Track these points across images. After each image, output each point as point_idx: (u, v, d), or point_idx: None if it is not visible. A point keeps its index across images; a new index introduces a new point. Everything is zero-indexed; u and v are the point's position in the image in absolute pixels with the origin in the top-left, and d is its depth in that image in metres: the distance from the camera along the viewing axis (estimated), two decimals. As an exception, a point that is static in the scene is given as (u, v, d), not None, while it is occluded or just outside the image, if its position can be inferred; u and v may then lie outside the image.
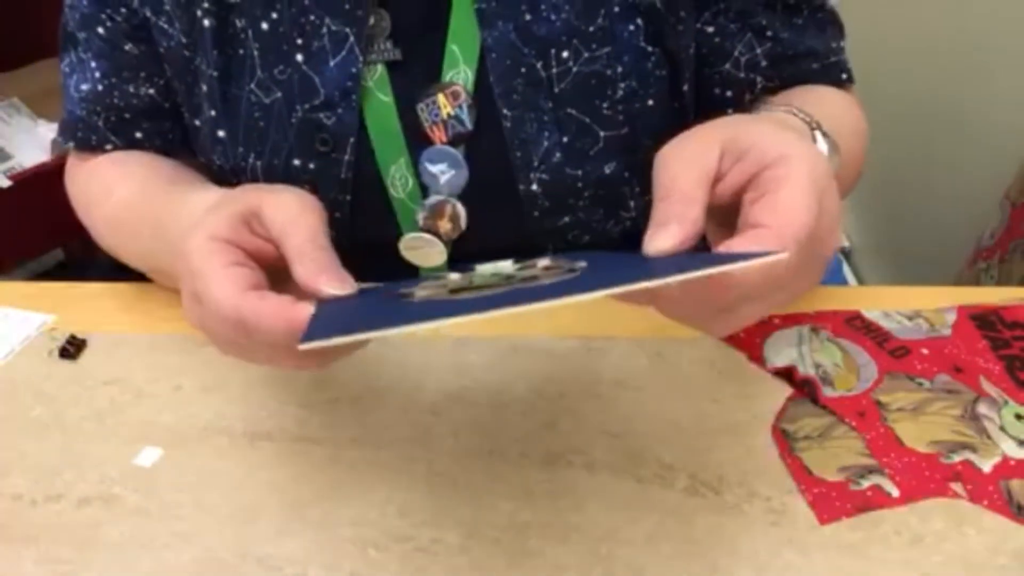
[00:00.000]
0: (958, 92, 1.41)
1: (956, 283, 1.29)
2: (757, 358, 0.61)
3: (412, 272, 0.70)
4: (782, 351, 0.61)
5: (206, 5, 0.62)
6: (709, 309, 0.40)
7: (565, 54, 0.61)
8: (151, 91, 0.67)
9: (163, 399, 0.60)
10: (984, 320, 0.63)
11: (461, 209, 0.66)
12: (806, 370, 0.59)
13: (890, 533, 0.49)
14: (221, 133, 0.65)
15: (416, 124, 0.64)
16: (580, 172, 0.64)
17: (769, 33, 0.66)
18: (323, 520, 0.51)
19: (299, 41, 0.62)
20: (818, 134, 0.53)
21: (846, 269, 1.81)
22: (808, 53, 0.67)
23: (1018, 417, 0.56)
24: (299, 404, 0.59)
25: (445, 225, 0.66)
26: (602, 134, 0.63)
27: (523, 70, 0.61)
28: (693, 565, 0.48)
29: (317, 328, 0.38)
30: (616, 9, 0.61)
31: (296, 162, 0.64)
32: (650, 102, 0.64)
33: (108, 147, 0.69)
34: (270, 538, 0.50)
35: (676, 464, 0.53)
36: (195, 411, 0.59)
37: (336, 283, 0.42)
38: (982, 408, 0.56)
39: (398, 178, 0.65)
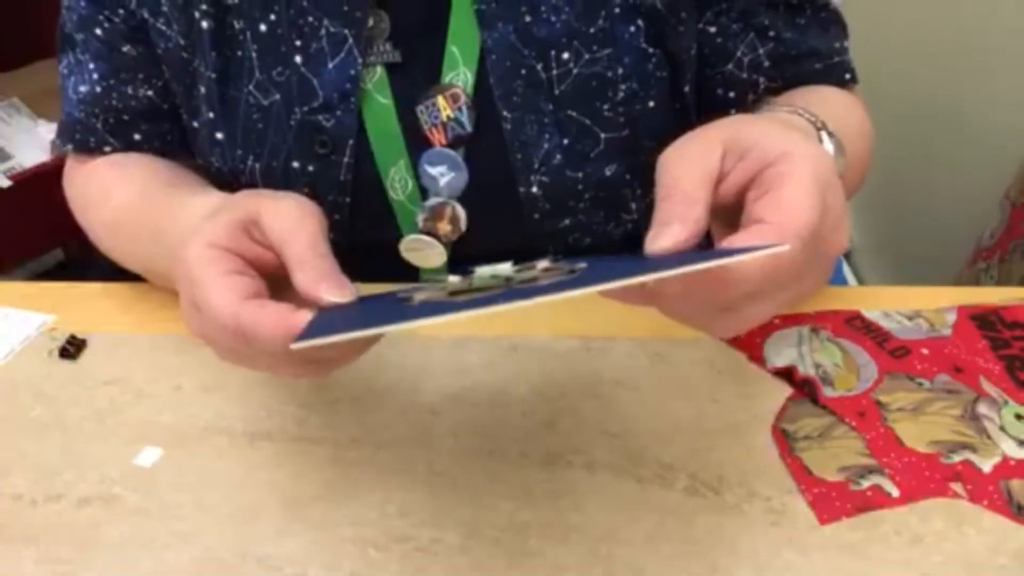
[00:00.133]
0: (958, 92, 1.41)
1: (956, 283, 1.29)
2: (757, 358, 0.61)
3: (412, 273, 0.70)
4: (782, 351, 0.61)
5: (204, 7, 0.62)
6: (711, 308, 0.40)
7: (565, 56, 0.61)
8: (149, 93, 0.67)
9: (163, 399, 0.60)
10: (984, 320, 0.63)
11: (461, 211, 0.66)
12: (806, 370, 0.59)
13: (890, 533, 0.49)
14: (219, 135, 0.65)
15: (416, 126, 0.64)
16: (581, 174, 0.64)
17: (772, 33, 0.65)
18: (323, 520, 0.51)
19: (297, 43, 0.62)
20: (824, 134, 0.53)
21: (846, 269, 1.81)
22: (811, 53, 0.67)
23: (1018, 417, 0.56)
24: (299, 404, 0.59)
25: (445, 227, 0.66)
26: (603, 136, 0.63)
27: (523, 72, 0.61)
28: (693, 565, 0.48)
29: (313, 330, 0.38)
30: (617, 10, 0.61)
31: (295, 164, 0.64)
32: (651, 104, 0.64)
33: (107, 149, 0.69)
34: (270, 538, 0.50)
35: (676, 464, 0.53)
36: (195, 411, 0.59)
37: (336, 290, 0.42)
38: (982, 408, 0.56)
39: (397, 180, 0.65)
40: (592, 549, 0.49)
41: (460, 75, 0.62)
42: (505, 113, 0.62)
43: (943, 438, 0.54)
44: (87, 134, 0.69)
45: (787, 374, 0.59)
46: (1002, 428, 0.55)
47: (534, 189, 0.64)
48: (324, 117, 0.62)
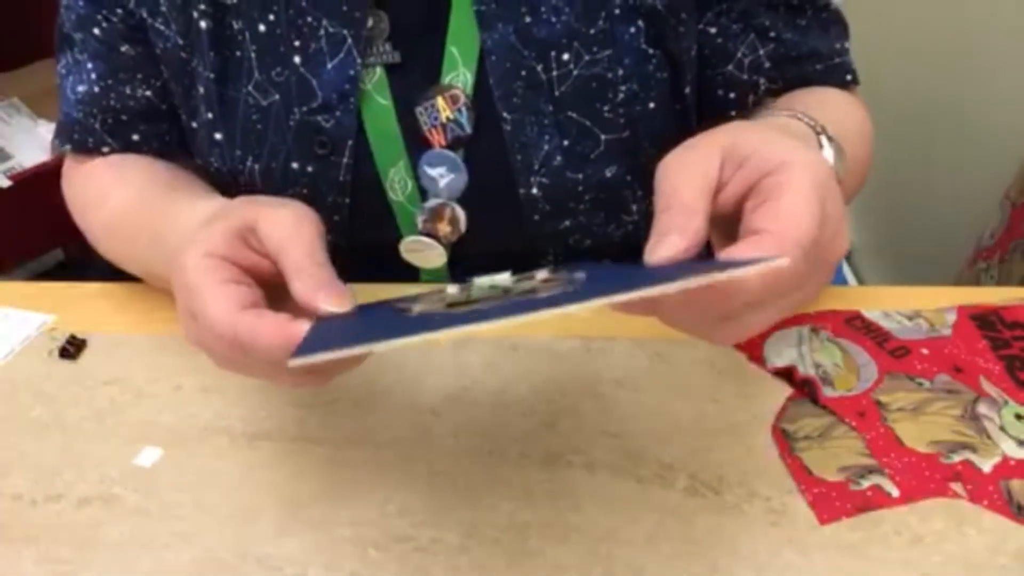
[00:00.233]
0: (958, 92, 1.41)
1: (956, 283, 1.29)
2: (757, 358, 0.61)
3: (412, 274, 0.70)
4: (782, 351, 0.61)
5: (202, 7, 0.62)
6: (712, 318, 0.40)
7: (565, 56, 0.61)
8: (148, 93, 0.67)
9: (163, 399, 0.60)
10: (984, 320, 0.63)
11: (460, 212, 0.65)
12: (806, 370, 0.59)
13: (890, 533, 0.49)
14: (218, 135, 0.65)
15: (415, 127, 0.63)
16: (581, 176, 0.64)
17: (772, 34, 0.65)
18: (323, 520, 0.51)
19: (296, 43, 0.61)
20: (824, 139, 0.53)
21: (846, 269, 1.81)
22: (812, 54, 0.67)
23: (1018, 417, 0.56)
24: (299, 404, 0.59)
25: (444, 228, 0.66)
26: (603, 137, 0.63)
27: (523, 73, 0.61)
28: (693, 565, 0.48)
29: (310, 344, 0.38)
30: (617, 11, 0.61)
31: (294, 165, 0.64)
32: (651, 105, 0.64)
33: (105, 149, 0.68)
34: (270, 538, 0.50)
35: (676, 464, 0.53)
36: (195, 411, 0.59)
37: (335, 299, 0.41)
38: (982, 408, 0.56)
39: (397, 181, 0.65)
40: (592, 549, 0.49)
41: (460, 76, 0.62)
42: (505, 114, 0.62)
43: (943, 438, 0.54)
44: (85, 134, 0.68)
45: (787, 374, 0.59)
46: (1002, 428, 0.55)
47: (534, 190, 0.64)
48: (323, 118, 0.62)
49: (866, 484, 0.52)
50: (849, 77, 0.69)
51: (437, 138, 0.63)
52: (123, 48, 0.66)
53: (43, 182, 1.52)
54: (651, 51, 0.62)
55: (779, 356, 0.60)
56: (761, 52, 0.65)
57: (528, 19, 0.60)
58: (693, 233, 0.40)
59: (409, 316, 0.40)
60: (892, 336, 0.62)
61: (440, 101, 0.63)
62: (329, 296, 0.42)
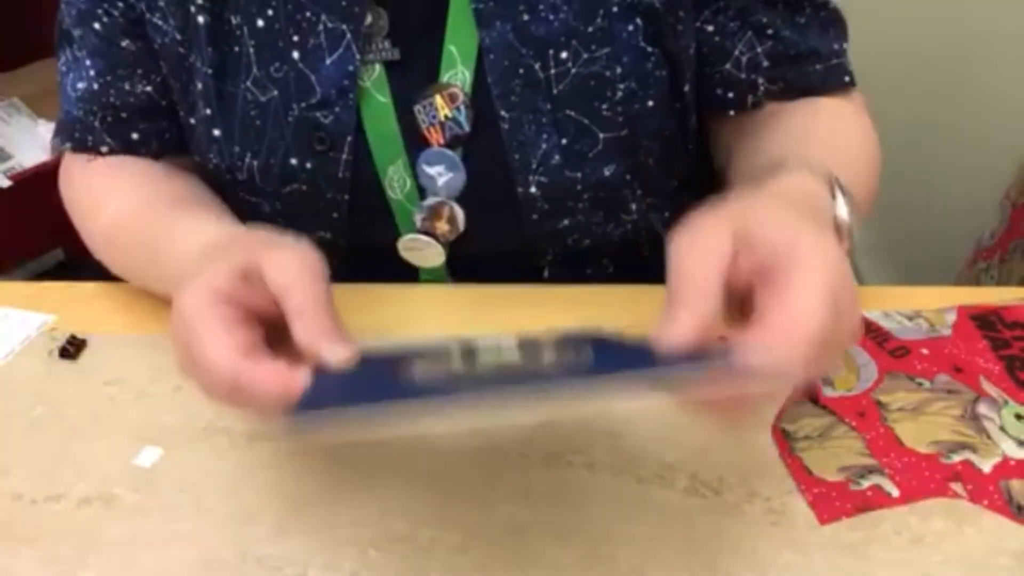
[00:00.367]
0: (958, 92, 1.41)
1: (956, 283, 1.29)
2: (757, 358, 0.61)
3: (411, 273, 0.70)
4: (782, 351, 0.61)
5: (200, 1, 0.61)
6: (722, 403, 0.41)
7: (564, 55, 0.61)
8: (148, 89, 0.67)
9: (163, 399, 0.60)
10: (984, 320, 0.63)
11: (459, 211, 0.65)
12: (806, 370, 0.59)
13: (890, 533, 0.49)
14: (216, 132, 0.65)
15: (414, 125, 0.63)
16: (579, 174, 0.63)
17: (770, 32, 0.65)
18: (323, 520, 0.51)
19: (295, 38, 0.61)
20: (838, 191, 0.52)
21: (846, 269, 1.80)
22: (810, 53, 0.66)
23: (1018, 417, 0.56)
24: (299, 404, 0.59)
25: (443, 227, 0.66)
26: (601, 136, 0.63)
27: (521, 71, 0.61)
28: (693, 565, 0.48)
29: (309, 398, 0.39)
30: (615, 9, 0.61)
31: (293, 161, 0.63)
32: (650, 103, 0.63)
33: (103, 149, 0.68)
34: (270, 538, 0.50)
35: (676, 464, 0.53)
36: (195, 411, 0.59)
37: (338, 348, 0.41)
38: (982, 408, 0.56)
39: (396, 179, 0.65)
40: (592, 549, 0.49)
41: (458, 74, 0.62)
42: (503, 113, 0.62)
43: (943, 438, 0.54)
44: (85, 132, 0.68)
45: (787, 374, 0.59)
46: (1002, 428, 0.55)
47: (532, 189, 0.64)
48: (322, 114, 0.62)
49: (866, 484, 0.52)
50: (847, 79, 0.68)
51: (435, 136, 0.63)
52: (124, 43, 0.66)
53: (43, 182, 1.51)
54: (649, 49, 0.62)
55: (779, 356, 0.60)
56: (759, 50, 0.65)
57: (526, 17, 0.60)
58: (705, 316, 0.40)
59: (413, 382, 0.40)
60: (892, 336, 0.62)
61: (438, 99, 0.62)
62: (332, 345, 0.42)
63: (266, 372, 0.41)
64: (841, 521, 0.50)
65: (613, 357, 0.41)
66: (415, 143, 0.64)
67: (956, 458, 0.53)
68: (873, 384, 0.58)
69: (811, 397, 0.57)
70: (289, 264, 0.44)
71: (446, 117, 0.63)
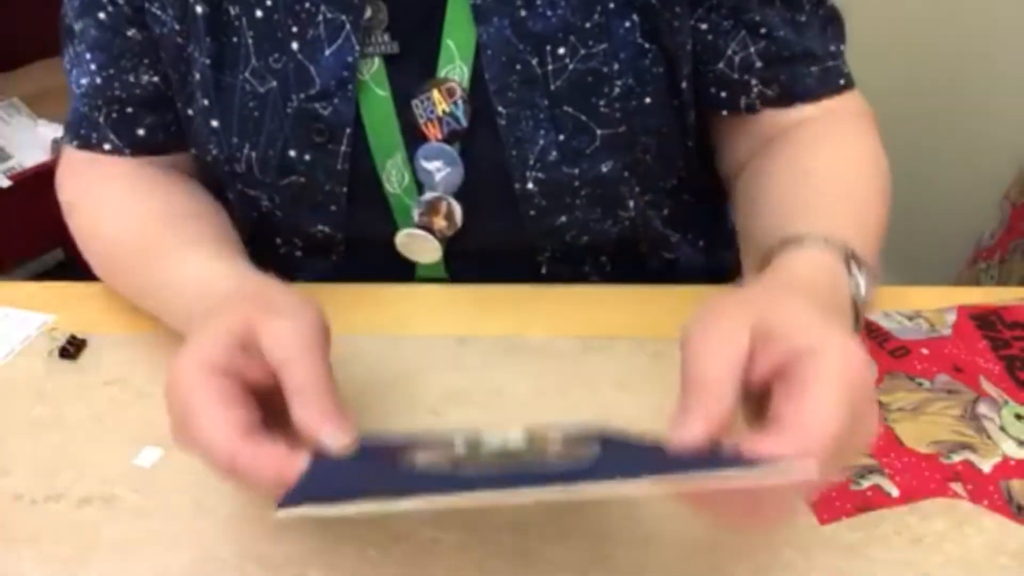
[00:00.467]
0: (958, 92, 1.41)
1: (956, 283, 1.29)
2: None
3: (409, 268, 0.70)
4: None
5: None
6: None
7: (561, 51, 0.61)
8: (155, 79, 0.66)
9: (163, 399, 0.59)
10: (984, 320, 0.63)
11: (457, 207, 0.65)
12: (806, 370, 0.59)
13: (890, 533, 0.49)
14: (215, 123, 0.64)
15: (412, 120, 0.63)
16: (577, 171, 0.63)
17: (764, 31, 0.64)
18: (323, 520, 0.51)
19: (294, 29, 0.61)
20: (855, 269, 0.51)
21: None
22: (805, 55, 0.65)
23: (1018, 417, 0.56)
24: (299, 404, 0.59)
25: (440, 222, 0.66)
26: (599, 132, 0.63)
27: (518, 67, 0.61)
28: (693, 565, 0.48)
29: (304, 486, 0.38)
30: (612, 5, 0.60)
31: (292, 152, 0.63)
32: (647, 100, 0.63)
33: (106, 147, 0.68)
34: (270, 538, 0.50)
35: (676, 464, 0.53)
36: (195, 411, 0.59)
37: (338, 435, 0.41)
38: (982, 408, 0.56)
39: (394, 173, 0.65)
40: (592, 549, 0.49)
41: (456, 69, 0.62)
42: (500, 108, 0.62)
43: (943, 438, 0.54)
44: (89, 129, 0.68)
45: (787, 374, 0.59)
46: (1002, 428, 0.55)
47: (530, 186, 0.63)
48: (321, 105, 0.62)
49: (866, 484, 0.52)
50: (842, 81, 0.67)
51: (433, 131, 0.63)
52: (129, 32, 0.65)
53: (43, 182, 1.51)
54: (647, 46, 0.62)
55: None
56: (752, 49, 0.64)
57: (523, 13, 0.60)
58: (720, 414, 0.39)
59: (412, 472, 0.39)
60: (892, 336, 0.62)
61: (436, 94, 0.62)
62: (332, 431, 0.41)
63: (264, 457, 0.40)
64: (841, 521, 0.50)
65: (619, 456, 0.40)
66: (413, 137, 0.64)
67: (956, 458, 0.53)
68: (873, 384, 0.58)
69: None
70: (288, 336, 0.43)
71: (444, 112, 0.63)
